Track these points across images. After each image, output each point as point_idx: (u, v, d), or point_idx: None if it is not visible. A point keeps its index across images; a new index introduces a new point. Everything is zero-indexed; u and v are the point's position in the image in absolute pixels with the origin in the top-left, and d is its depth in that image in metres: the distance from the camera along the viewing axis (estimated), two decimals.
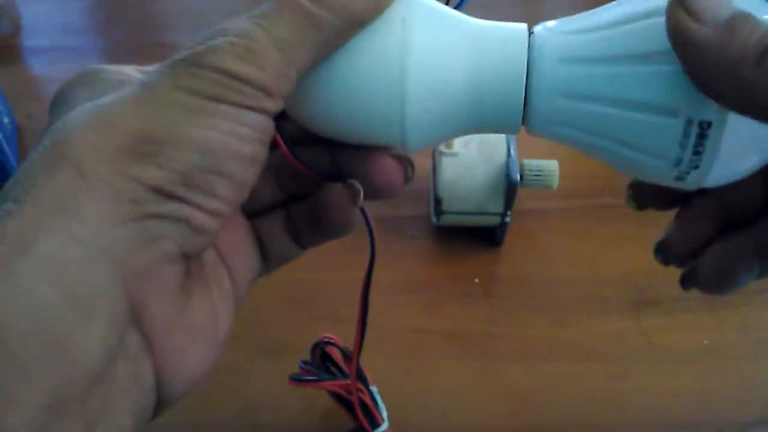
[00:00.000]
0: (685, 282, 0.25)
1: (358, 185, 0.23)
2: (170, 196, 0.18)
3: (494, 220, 0.43)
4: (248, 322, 0.41)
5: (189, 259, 0.20)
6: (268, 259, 0.26)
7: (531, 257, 0.43)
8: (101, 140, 0.18)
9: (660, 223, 0.26)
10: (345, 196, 0.23)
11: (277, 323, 0.41)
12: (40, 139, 0.19)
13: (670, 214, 0.26)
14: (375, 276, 0.43)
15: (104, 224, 0.17)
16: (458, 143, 0.41)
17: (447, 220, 0.43)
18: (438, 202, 0.42)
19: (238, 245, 0.24)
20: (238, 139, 0.19)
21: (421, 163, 0.49)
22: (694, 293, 0.25)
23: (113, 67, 0.22)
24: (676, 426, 0.36)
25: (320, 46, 0.20)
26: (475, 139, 0.41)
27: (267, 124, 0.19)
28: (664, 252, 0.25)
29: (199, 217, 0.19)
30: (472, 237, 0.45)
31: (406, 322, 0.40)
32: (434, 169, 0.44)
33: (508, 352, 0.39)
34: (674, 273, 0.25)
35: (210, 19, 0.64)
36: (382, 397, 0.36)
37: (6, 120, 0.50)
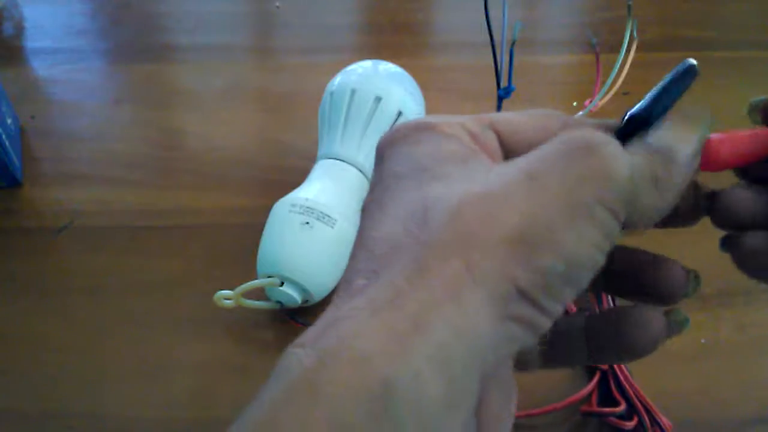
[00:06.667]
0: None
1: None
2: (530, 300, 0.18)
3: None
4: (249, 320, 0.41)
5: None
6: None
7: None
8: (487, 233, 0.18)
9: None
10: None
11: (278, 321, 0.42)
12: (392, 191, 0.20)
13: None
14: None
15: (484, 322, 0.17)
16: None
17: None
18: None
19: None
20: (600, 253, 0.18)
21: None
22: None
23: (443, 123, 0.21)
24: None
25: None
26: None
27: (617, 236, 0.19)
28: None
29: (544, 324, 0.18)
30: None
31: None
32: None
33: None
34: None
35: (213, 20, 0.64)
36: None
37: (9, 121, 0.50)
